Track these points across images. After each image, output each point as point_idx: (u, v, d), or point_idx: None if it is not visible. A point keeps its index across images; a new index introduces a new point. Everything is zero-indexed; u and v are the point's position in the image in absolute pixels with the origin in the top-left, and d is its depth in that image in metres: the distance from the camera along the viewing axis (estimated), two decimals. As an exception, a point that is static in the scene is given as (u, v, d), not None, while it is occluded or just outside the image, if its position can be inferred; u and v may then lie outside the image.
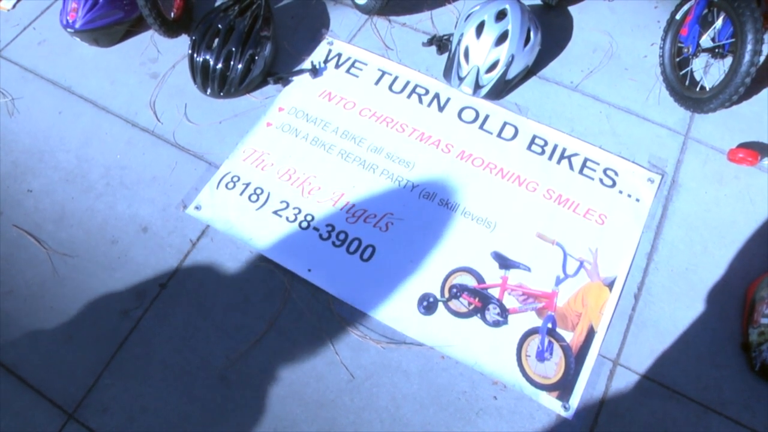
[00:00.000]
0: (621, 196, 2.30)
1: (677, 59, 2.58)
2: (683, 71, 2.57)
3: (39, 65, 2.77)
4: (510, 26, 2.44)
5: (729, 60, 2.48)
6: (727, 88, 2.30)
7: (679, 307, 2.10)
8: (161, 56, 2.76)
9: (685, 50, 2.54)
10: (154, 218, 2.31)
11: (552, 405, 1.93)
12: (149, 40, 2.82)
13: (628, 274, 2.16)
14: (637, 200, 2.30)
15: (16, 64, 2.78)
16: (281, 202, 2.30)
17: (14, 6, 3.01)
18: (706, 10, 2.45)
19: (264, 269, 2.18)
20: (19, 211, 2.37)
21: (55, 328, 2.11)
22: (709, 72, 2.60)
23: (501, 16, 2.47)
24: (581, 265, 2.16)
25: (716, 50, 2.52)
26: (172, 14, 2.76)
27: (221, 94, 2.58)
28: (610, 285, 2.13)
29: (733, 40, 2.34)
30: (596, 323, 2.06)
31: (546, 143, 2.43)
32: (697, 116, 2.53)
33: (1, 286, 2.20)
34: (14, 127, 2.59)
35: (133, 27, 2.83)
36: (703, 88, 2.50)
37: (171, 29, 2.72)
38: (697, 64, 2.61)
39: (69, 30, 2.70)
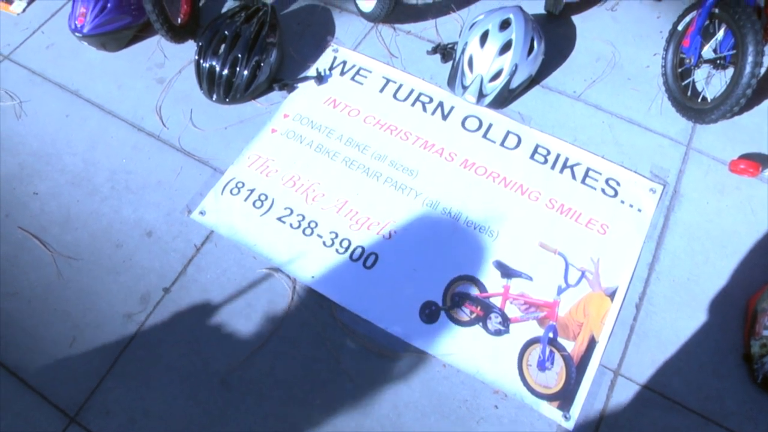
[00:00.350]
0: (623, 206, 2.31)
1: (679, 70, 2.59)
2: (685, 82, 2.58)
3: (47, 69, 2.80)
4: (514, 35, 2.46)
5: (730, 71, 2.49)
6: (728, 100, 2.31)
7: (680, 318, 2.11)
8: (168, 61, 2.79)
9: (687, 61, 2.55)
10: (158, 223, 2.33)
11: (553, 415, 1.94)
12: (156, 45, 2.84)
13: (629, 284, 2.17)
14: (639, 210, 2.31)
15: (24, 68, 2.81)
16: (285, 208, 2.31)
17: (24, 10, 3.04)
18: (707, 22, 2.47)
19: (268, 275, 2.20)
20: (24, 213, 2.39)
21: (59, 330, 2.12)
22: (710, 83, 2.61)
23: (505, 25, 2.49)
24: (583, 274, 2.17)
25: (718, 61, 2.54)
26: (179, 20, 2.79)
27: (227, 99, 2.59)
28: (612, 295, 2.14)
29: (734, 51, 2.36)
30: (597, 333, 2.06)
31: (549, 153, 2.44)
32: (698, 126, 2.54)
33: (5, 288, 2.21)
34: (21, 130, 2.61)
35: (140, 32, 2.86)
36: (704, 98, 2.51)
37: (178, 35, 2.74)
38: (699, 75, 2.62)
39: (77, 34, 2.73)
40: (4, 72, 2.80)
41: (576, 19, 2.88)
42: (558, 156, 2.43)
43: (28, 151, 2.54)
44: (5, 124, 2.63)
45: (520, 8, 2.57)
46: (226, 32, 2.58)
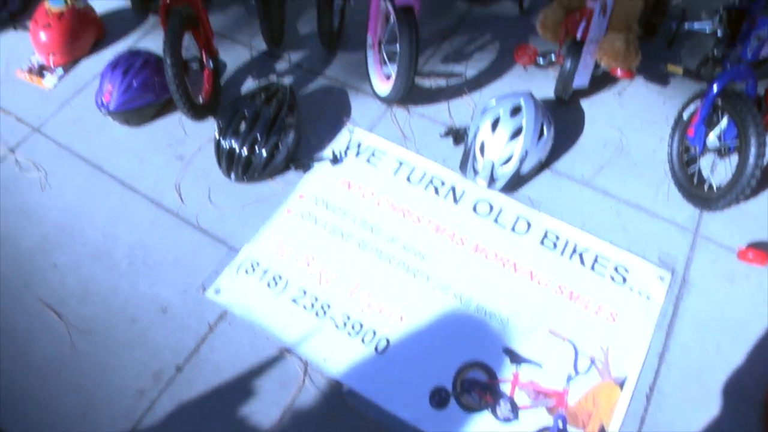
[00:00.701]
0: (632, 294, 2.34)
1: (685, 158, 2.65)
2: (691, 170, 2.63)
3: (73, 142, 2.90)
4: (524, 122, 2.55)
5: (736, 157, 2.55)
6: (733, 189, 2.36)
7: (692, 409, 2.10)
8: (188, 138, 2.88)
9: (692, 149, 2.62)
10: (174, 299, 2.37)
11: None
12: (177, 121, 2.95)
13: (639, 373, 2.17)
14: (648, 298, 2.33)
15: (52, 141, 2.92)
16: (299, 289, 2.36)
17: (55, 86, 3.17)
18: (711, 111, 2.53)
19: (280, 357, 2.22)
20: (44, 285, 2.44)
21: (71, 403, 2.14)
22: (716, 169, 2.67)
23: (516, 111, 2.57)
24: (592, 363, 2.18)
25: (722, 150, 2.61)
26: (201, 99, 2.90)
27: (244, 178, 2.67)
28: (622, 384, 2.14)
29: (738, 140, 2.42)
30: (607, 423, 2.06)
31: (558, 238, 2.48)
32: (706, 213, 2.57)
33: (20, 359, 2.25)
34: (46, 202, 2.69)
35: (162, 108, 2.97)
36: (711, 186, 2.56)
37: (199, 113, 2.84)
38: (705, 163, 2.68)
39: (103, 110, 2.84)
40: (33, 144, 2.91)
41: (584, 103, 2.97)
42: (567, 242, 2.47)
43: (51, 223, 2.62)
44: (31, 195, 2.72)
45: (531, 94, 2.67)
46: (246, 112, 2.69)
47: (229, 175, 2.69)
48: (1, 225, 2.63)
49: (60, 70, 3.23)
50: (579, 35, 2.68)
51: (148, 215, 2.62)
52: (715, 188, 2.53)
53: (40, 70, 3.24)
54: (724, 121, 2.54)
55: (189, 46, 2.88)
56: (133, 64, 2.88)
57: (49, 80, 3.20)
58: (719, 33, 2.72)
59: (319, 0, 3.01)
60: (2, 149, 2.89)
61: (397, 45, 2.65)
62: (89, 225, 2.61)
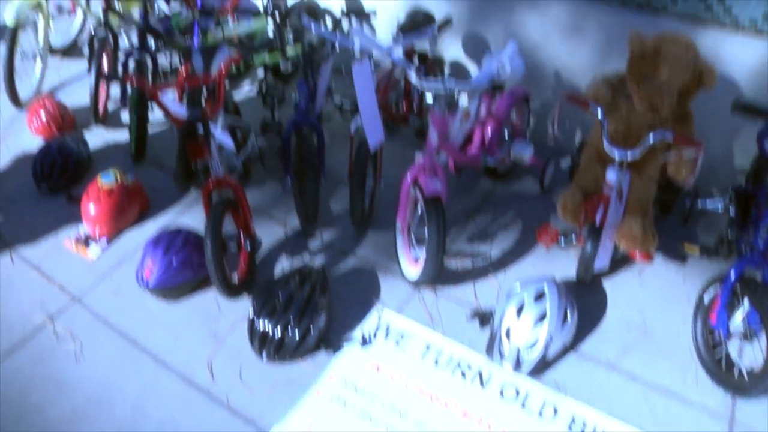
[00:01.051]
0: (668, 489, 2.27)
1: (710, 341, 2.65)
2: (718, 354, 2.61)
3: (111, 314, 3.01)
4: (548, 307, 2.62)
5: (764, 338, 2.54)
6: (765, 377, 2.35)
7: None
8: (222, 316, 2.98)
9: (717, 334, 2.63)
10: (200, 483, 2.35)
11: None
12: (213, 299, 3.05)
13: None
14: (686, 495, 2.26)
15: (91, 311, 3.03)
16: (326, 476, 2.33)
17: (98, 257, 3.36)
18: (731, 296, 2.57)
19: None
20: (68, 461, 2.44)
21: None
22: (744, 352, 2.66)
23: (539, 297, 2.66)
24: None
25: (748, 334, 2.62)
26: (236, 278, 3.03)
27: (276, 358, 2.73)
28: None
29: (762, 325, 2.44)
30: None
31: (585, 425, 2.45)
32: (740, 398, 2.52)
33: None
34: (79, 374, 2.74)
35: (199, 284, 3.09)
36: (741, 372, 2.52)
37: (234, 292, 2.96)
38: (732, 345, 2.66)
39: (142, 285, 2.98)
40: (72, 314, 3.02)
41: (606, 284, 3.05)
42: (595, 429, 2.43)
43: (82, 395, 2.65)
44: (66, 366, 2.78)
45: (554, 279, 2.78)
46: (280, 295, 2.80)
47: (260, 355, 2.75)
48: (33, 395, 2.67)
49: (104, 242, 3.43)
50: (597, 220, 2.81)
51: (178, 392, 2.66)
52: (745, 374, 2.50)
53: (86, 240, 3.44)
54: (746, 304, 2.54)
55: (226, 221, 3.02)
56: (173, 241, 3.03)
57: (94, 251, 3.38)
58: (731, 212, 2.86)
59: (351, 182, 3.24)
60: (42, 318, 3.01)
61: (426, 230, 2.81)
62: (120, 399, 2.63)
